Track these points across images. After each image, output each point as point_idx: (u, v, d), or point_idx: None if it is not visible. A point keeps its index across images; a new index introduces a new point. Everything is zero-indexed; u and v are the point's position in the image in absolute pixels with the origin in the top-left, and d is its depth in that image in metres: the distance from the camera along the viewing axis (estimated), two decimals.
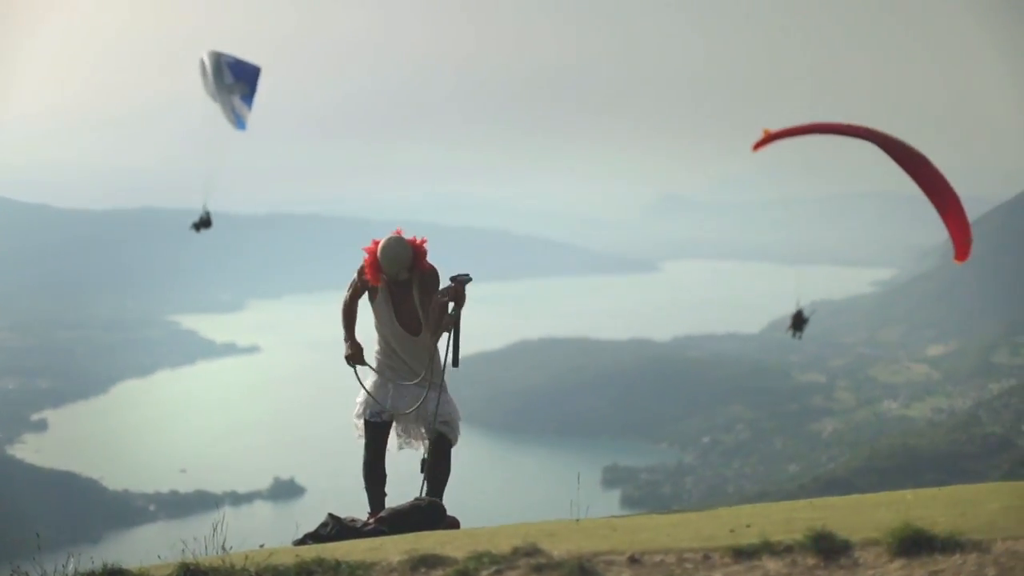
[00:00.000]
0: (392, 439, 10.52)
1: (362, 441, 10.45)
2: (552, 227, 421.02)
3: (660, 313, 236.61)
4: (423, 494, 10.20)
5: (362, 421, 10.43)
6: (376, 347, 10.50)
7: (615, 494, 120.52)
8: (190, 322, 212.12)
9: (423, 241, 10.40)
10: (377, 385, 10.44)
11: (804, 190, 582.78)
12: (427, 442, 10.44)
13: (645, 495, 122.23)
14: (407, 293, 10.26)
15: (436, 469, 10.32)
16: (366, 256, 10.23)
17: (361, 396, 10.46)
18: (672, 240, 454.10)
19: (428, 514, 9.61)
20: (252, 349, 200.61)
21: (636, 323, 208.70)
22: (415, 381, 10.35)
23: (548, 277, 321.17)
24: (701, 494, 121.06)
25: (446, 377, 10.57)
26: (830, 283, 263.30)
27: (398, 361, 10.40)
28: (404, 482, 10.82)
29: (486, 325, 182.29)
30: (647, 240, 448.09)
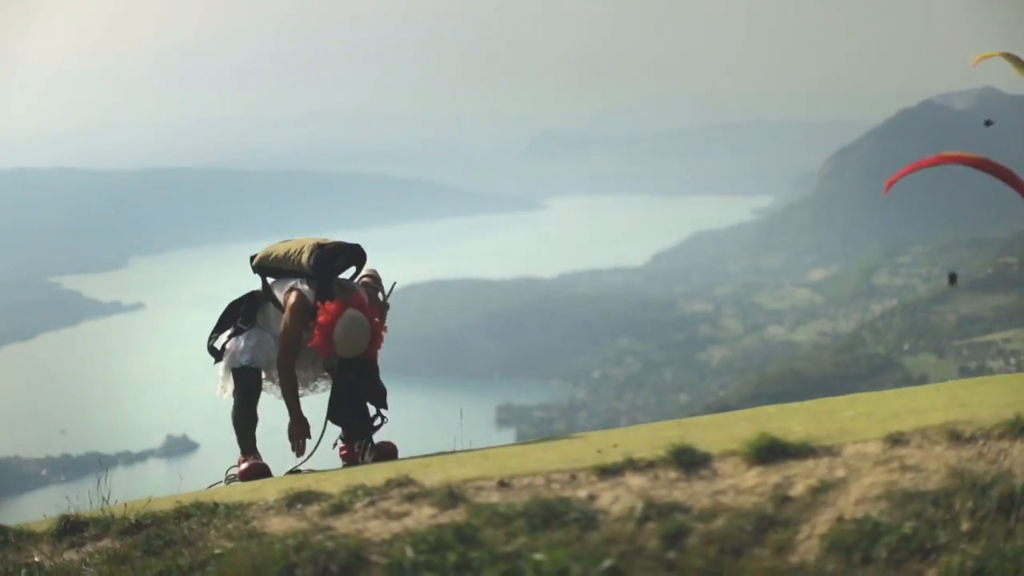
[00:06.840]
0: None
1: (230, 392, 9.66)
2: (432, 169, 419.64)
3: (545, 250, 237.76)
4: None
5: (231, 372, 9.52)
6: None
7: (510, 433, 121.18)
8: (72, 283, 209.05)
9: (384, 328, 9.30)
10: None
11: (680, 122, 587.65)
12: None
13: (540, 432, 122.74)
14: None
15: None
16: (321, 322, 8.83)
17: (233, 346, 9.50)
18: (554, 177, 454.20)
19: None
20: (137, 307, 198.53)
21: (522, 262, 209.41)
22: None
23: (431, 219, 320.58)
24: (595, 428, 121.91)
25: None
26: (712, 212, 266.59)
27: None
28: None
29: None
30: (529, 178, 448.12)
